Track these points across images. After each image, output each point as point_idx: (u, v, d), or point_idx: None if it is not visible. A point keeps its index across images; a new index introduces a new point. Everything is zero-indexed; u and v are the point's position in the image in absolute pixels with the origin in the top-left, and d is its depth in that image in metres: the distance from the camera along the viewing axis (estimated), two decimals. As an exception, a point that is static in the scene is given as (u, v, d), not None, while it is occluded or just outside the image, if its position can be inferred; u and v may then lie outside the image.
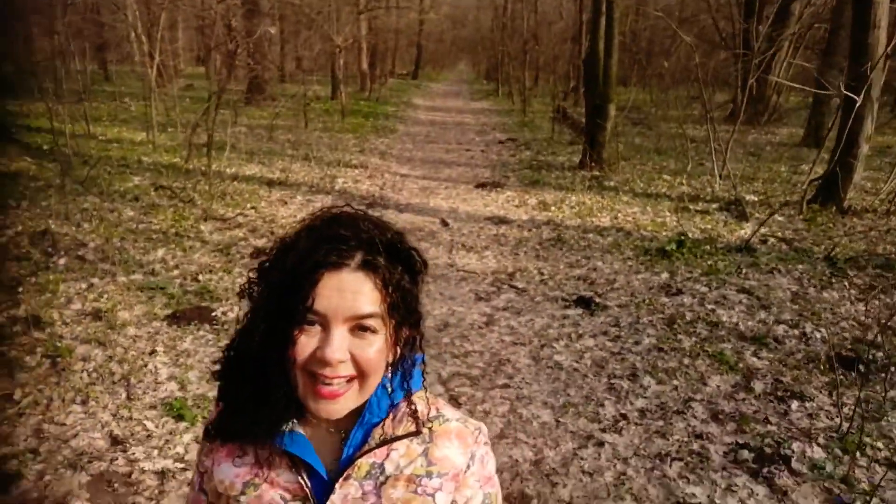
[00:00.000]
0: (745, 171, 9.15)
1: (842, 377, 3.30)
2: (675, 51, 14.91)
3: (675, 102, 15.93)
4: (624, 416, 3.04)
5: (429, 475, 0.76)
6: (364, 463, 0.76)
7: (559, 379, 3.41)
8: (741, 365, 3.51)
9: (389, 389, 0.78)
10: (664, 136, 12.29)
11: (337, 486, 0.75)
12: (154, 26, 11.45)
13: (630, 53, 18.43)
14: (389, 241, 0.74)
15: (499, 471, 2.34)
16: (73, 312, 3.83)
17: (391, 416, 0.78)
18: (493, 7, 27.06)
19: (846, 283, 4.87)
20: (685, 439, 2.84)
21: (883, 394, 3.14)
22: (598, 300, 4.46)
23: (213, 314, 3.91)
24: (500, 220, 6.72)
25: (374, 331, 0.72)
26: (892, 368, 3.44)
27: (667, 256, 5.42)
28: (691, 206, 7.20)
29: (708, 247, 5.71)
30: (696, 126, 13.00)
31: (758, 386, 3.28)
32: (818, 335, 3.90)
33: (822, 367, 3.48)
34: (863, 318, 4.21)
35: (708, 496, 2.47)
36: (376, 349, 0.72)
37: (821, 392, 3.24)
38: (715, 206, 7.26)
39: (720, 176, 8.13)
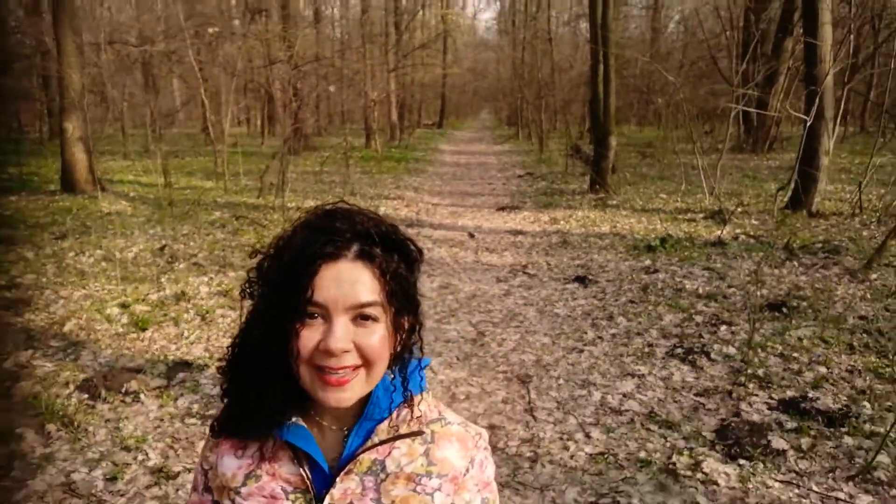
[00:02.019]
0: (736, 189, 10.38)
1: (770, 314, 4.53)
2: (670, 90, 16.33)
3: (679, 136, 17.26)
4: (600, 338, 4.32)
5: (429, 475, 0.77)
6: (366, 458, 0.77)
7: (556, 321, 4.71)
8: (691, 310, 4.77)
9: (393, 388, 0.79)
10: (668, 166, 13.61)
11: (338, 479, 0.76)
12: (217, 93, 13.42)
13: (637, 94, 19.96)
14: (384, 232, 0.76)
15: (516, 364, 3.76)
16: (203, 293, 5.31)
17: (394, 414, 0.79)
18: (511, 58, 29.20)
19: (796, 263, 6.08)
20: (640, 347, 4.11)
21: (790, 322, 4.36)
22: (591, 278, 5.77)
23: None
24: (517, 232, 8.10)
25: (375, 319, 0.73)
26: (811, 311, 4.65)
27: (651, 250, 6.70)
28: (680, 217, 8.47)
29: (688, 243, 6.98)
30: (701, 156, 14.30)
31: (699, 318, 4.54)
32: (759, 293, 5.12)
33: (757, 312, 4.71)
34: (801, 283, 5.42)
35: (649, 371, 3.73)
36: (379, 336, 0.73)
37: (745, 322, 4.46)
38: (701, 216, 8.52)
39: (709, 193, 9.40)
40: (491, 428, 3.17)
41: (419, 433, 0.78)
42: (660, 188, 11.04)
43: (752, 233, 7.35)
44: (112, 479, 2.72)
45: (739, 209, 8.86)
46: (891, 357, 3.75)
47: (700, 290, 5.27)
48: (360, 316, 0.72)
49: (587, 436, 3.06)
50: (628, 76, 22.37)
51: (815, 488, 2.55)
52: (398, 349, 0.78)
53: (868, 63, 15.81)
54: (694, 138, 9.74)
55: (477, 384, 3.69)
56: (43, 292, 5.23)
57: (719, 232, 7.43)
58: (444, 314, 4.93)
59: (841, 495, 2.51)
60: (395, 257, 0.76)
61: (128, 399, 3.40)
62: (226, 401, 0.80)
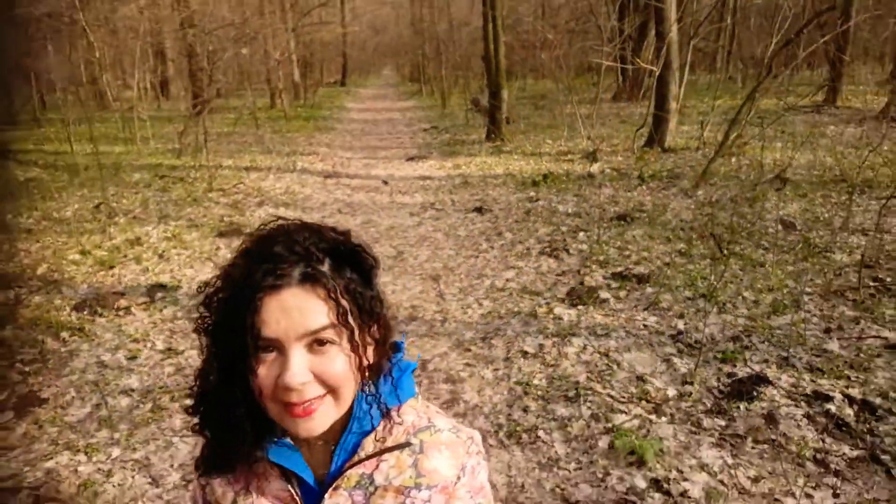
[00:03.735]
0: (610, 133, 12.03)
1: (617, 223, 5.98)
2: (553, 46, 17.84)
3: (565, 88, 18.88)
4: (491, 247, 5.60)
5: (418, 487, 0.75)
6: (353, 474, 0.75)
7: (459, 240, 5.95)
8: (560, 224, 6.15)
9: (380, 398, 0.77)
10: (556, 115, 15.15)
11: (326, 496, 0.75)
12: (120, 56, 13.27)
13: (529, 49, 21.37)
14: (330, 248, 0.72)
15: (428, 269, 5.07)
16: (154, 237, 6.05)
17: (382, 425, 0.77)
18: (411, 14, 29.67)
19: (644, 188, 7.66)
20: (520, 251, 5.43)
21: (629, 226, 5.84)
22: (486, 208, 7.04)
23: (242, 229, 6.21)
24: (425, 178, 9.24)
25: (331, 342, 0.70)
26: (647, 219, 6.15)
27: (535, 185, 8.08)
28: (562, 158, 9.94)
29: (564, 178, 8.41)
30: (587, 105, 15.96)
31: (564, 229, 5.94)
32: (612, 209, 6.60)
33: (608, 223, 6.16)
34: (645, 201, 6.96)
35: (525, 264, 5.05)
36: (339, 361, 0.70)
37: (605, 231, 5.89)
38: (579, 156, 10.03)
39: (586, 137, 10.94)
40: (412, 308, 4.35)
41: (406, 444, 0.76)
42: (548, 135, 12.51)
43: (615, 167, 8.92)
44: (132, 358, 3.65)
45: (609, 148, 10.47)
46: (687, 240, 5.30)
47: (569, 211, 6.68)
48: (316, 342, 0.69)
49: (479, 304, 4.32)
50: (521, 31, 23.73)
51: (622, 315, 3.95)
52: (370, 362, 0.75)
53: (717, 18, 17.98)
54: (569, 89, 11.18)
55: (400, 284, 4.85)
56: (0, 247, 5.76)
57: (590, 168, 8.94)
58: (368, 242, 5.99)
59: (638, 317, 3.91)
60: (346, 271, 0.73)
61: (121, 313, 4.26)
62: (203, 440, 0.77)
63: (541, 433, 2.78)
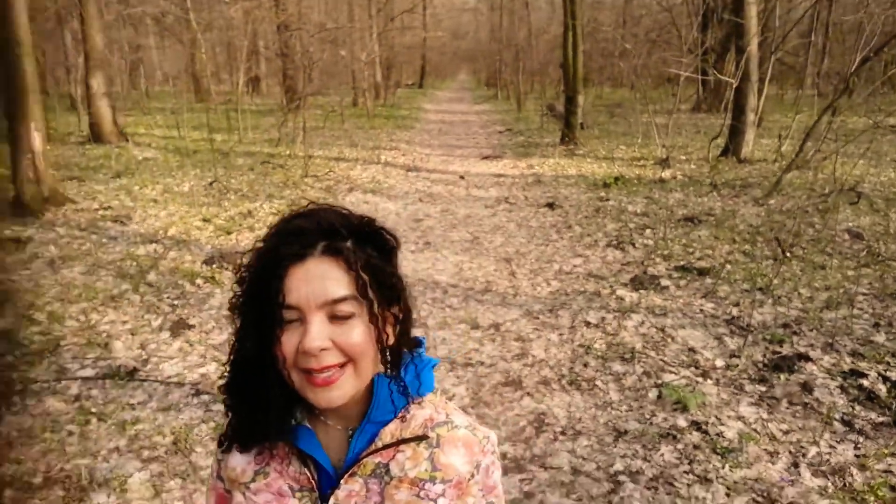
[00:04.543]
0: (685, 142, 12.13)
1: (684, 223, 6.29)
2: (632, 55, 17.92)
3: (642, 97, 18.91)
4: (561, 238, 6.06)
5: (432, 480, 0.76)
6: (370, 462, 0.77)
7: (530, 230, 6.43)
8: (628, 222, 6.51)
9: (400, 387, 0.78)
10: (632, 124, 15.29)
11: (342, 481, 0.77)
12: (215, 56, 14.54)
13: (607, 57, 21.49)
14: (354, 225, 0.75)
15: (502, 253, 5.72)
16: (263, 211, 6.87)
17: (400, 417, 0.78)
18: (490, 21, 30.31)
19: (715, 194, 7.86)
20: (588, 242, 5.85)
21: (696, 227, 6.14)
22: (557, 204, 7.48)
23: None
24: (499, 175, 9.76)
25: (351, 313, 0.72)
26: (714, 221, 6.42)
27: (607, 186, 8.43)
28: (634, 163, 10.20)
29: (636, 181, 8.71)
30: (664, 115, 16.02)
31: (632, 225, 6.29)
32: (681, 212, 6.88)
33: (675, 223, 6.47)
34: (715, 206, 7.20)
35: (592, 253, 5.47)
36: (358, 332, 0.72)
37: (672, 230, 6.22)
38: (651, 162, 10.26)
39: (661, 145, 11.13)
40: (487, 282, 4.88)
41: (424, 437, 0.77)
42: (622, 142, 12.75)
43: (688, 174, 9.11)
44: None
45: (683, 157, 10.62)
46: (751, 241, 5.56)
47: (637, 211, 7.02)
48: (336, 311, 0.71)
49: (548, 283, 4.79)
50: (601, 40, 23.84)
51: (680, 300, 4.33)
52: (389, 342, 0.77)
53: (806, 33, 17.51)
54: (645, 98, 11.39)
55: (476, 263, 5.39)
56: (135, 211, 6.75)
57: (662, 173, 9.18)
58: (447, 227, 6.62)
59: (695, 303, 4.27)
60: (368, 249, 0.75)
61: (240, 269, 5.02)
62: (230, 416, 0.80)
63: (598, 383, 3.24)
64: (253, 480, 0.79)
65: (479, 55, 38.91)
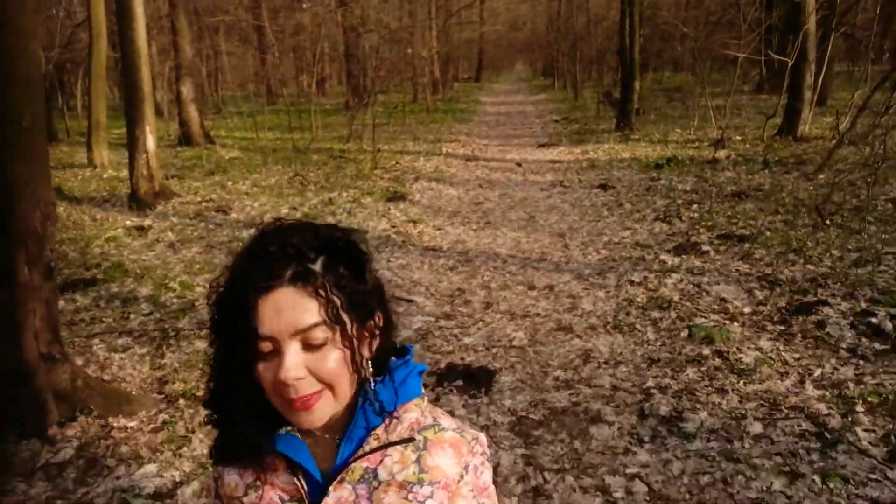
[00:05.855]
0: (742, 123, 12.21)
1: (732, 198, 6.67)
2: (691, 38, 17.79)
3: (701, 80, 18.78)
4: (611, 214, 6.58)
5: (420, 482, 0.76)
6: (358, 467, 0.77)
7: (583, 209, 6.98)
8: (677, 198, 6.94)
9: (388, 391, 0.79)
10: (690, 107, 15.36)
11: (331, 488, 0.77)
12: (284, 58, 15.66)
13: (667, 42, 21.35)
14: (321, 245, 0.74)
15: (556, 229, 6.35)
16: (341, 200, 7.73)
17: (386, 422, 0.79)
18: (547, 11, 30.49)
19: (767, 171, 8.11)
20: (637, 217, 6.34)
21: (743, 201, 6.51)
22: (610, 185, 7.96)
23: (405, 196, 7.71)
24: (555, 161, 10.28)
25: (324, 340, 0.72)
26: (762, 195, 6.75)
27: (659, 167, 8.81)
28: (688, 145, 10.47)
29: (688, 162, 9.04)
30: (723, 97, 15.98)
31: (679, 202, 6.73)
32: (730, 188, 7.23)
33: (722, 198, 6.83)
34: (765, 183, 7.48)
35: (640, 226, 5.97)
36: (333, 358, 0.73)
37: (718, 204, 6.61)
38: (706, 144, 10.49)
39: (717, 127, 11.30)
40: (542, 253, 5.49)
41: (410, 440, 0.78)
42: (678, 125, 12.94)
43: (741, 153, 9.34)
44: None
45: (739, 137, 10.78)
46: (794, 212, 5.91)
47: (687, 189, 7.42)
48: (309, 339, 0.71)
49: (598, 252, 5.36)
50: (660, 24, 23.65)
51: (718, 262, 4.80)
52: (369, 356, 0.78)
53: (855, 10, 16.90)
54: (703, 81, 11.57)
55: (532, 238, 6.02)
56: (233, 203, 7.76)
57: (715, 153, 9.44)
58: (506, 208, 7.27)
59: (732, 265, 4.74)
60: (340, 267, 0.74)
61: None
62: (216, 431, 0.81)
63: (637, 326, 3.82)
64: (245, 494, 0.81)
65: (536, 46, 39.09)
